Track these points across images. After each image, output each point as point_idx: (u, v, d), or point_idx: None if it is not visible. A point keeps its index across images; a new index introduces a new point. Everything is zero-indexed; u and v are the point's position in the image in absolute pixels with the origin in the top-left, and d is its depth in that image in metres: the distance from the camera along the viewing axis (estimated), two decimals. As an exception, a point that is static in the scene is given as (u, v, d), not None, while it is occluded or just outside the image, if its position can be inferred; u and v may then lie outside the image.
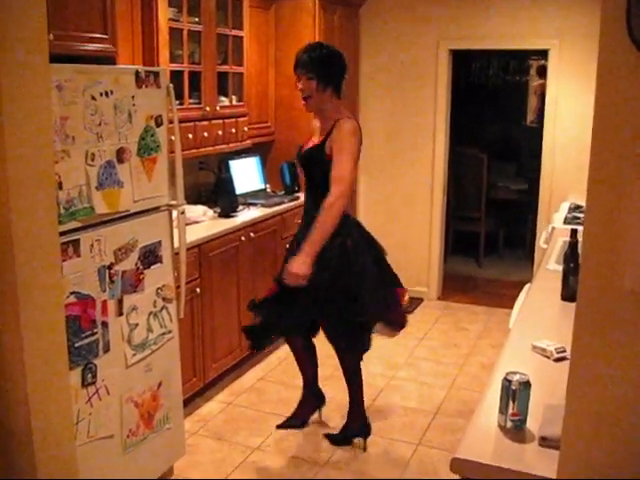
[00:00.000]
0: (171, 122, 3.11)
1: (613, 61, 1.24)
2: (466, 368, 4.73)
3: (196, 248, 3.86)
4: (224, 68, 4.48)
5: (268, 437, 3.77)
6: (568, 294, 2.79)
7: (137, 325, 2.92)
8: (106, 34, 3.24)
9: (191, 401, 4.00)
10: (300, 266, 3.25)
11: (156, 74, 2.97)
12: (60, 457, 2.08)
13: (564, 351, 2.23)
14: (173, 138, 3.14)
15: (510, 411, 1.79)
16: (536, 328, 2.56)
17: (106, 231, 2.72)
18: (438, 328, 5.53)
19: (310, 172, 3.51)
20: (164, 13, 3.77)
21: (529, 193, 6.97)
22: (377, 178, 6.18)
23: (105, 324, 2.74)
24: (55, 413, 2.04)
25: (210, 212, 4.43)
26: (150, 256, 2.99)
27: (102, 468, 2.79)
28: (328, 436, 3.75)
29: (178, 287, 3.23)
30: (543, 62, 7.72)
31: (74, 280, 2.55)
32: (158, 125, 2.98)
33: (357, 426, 3.69)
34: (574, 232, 2.87)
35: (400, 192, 6.16)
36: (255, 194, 5.05)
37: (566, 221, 4.41)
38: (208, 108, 4.26)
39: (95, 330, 2.68)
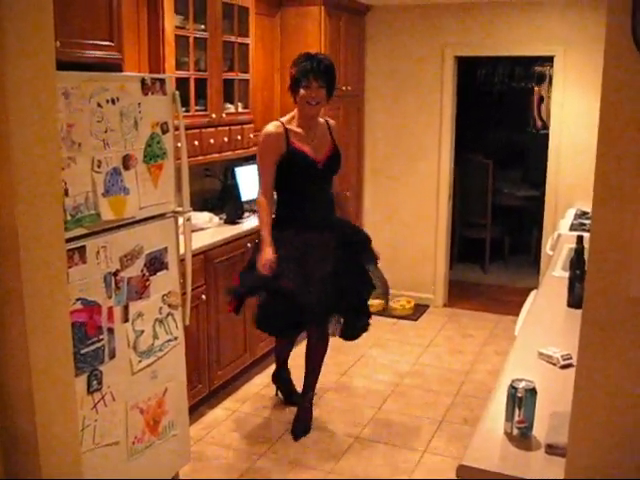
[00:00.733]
0: (177, 129, 3.12)
1: (618, 67, 1.24)
2: (472, 375, 4.72)
3: (202, 255, 3.87)
4: (230, 75, 4.49)
5: (273, 444, 3.76)
6: (574, 301, 2.78)
7: (143, 332, 2.92)
8: (112, 41, 3.26)
9: (197, 408, 4.00)
10: None
11: (162, 81, 2.98)
12: (65, 463, 2.08)
13: (570, 358, 2.23)
14: (179, 145, 3.15)
15: (516, 418, 1.79)
16: (542, 335, 2.56)
17: (112, 238, 2.73)
18: (444, 335, 5.52)
19: (330, 176, 3.78)
20: (170, 20, 3.78)
21: (535, 199, 6.95)
22: (382, 184, 6.18)
23: (111, 330, 2.74)
24: (61, 419, 2.04)
25: (216, 219, 4.43)
26: (156, 263, 2.99)
27: (107, 474, 2.79)
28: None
29: (184, 294, 3.24)
30: (540, 69, 7.75)
31: (80, 287, 2.56)
32: (164, 132, 2.99)
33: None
34: (580, 238, 2.86)
35: (405, 198, 6.15)
36: (261, 201, 5.04)
37: (572, 227, 4.40)
38: (214, 115, 4.27)
39: (101, 337, 2.68)
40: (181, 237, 3.20)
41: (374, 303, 5.94)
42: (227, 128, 4.43)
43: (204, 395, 4.07)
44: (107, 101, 2.65)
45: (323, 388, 4.38)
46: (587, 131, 5.25)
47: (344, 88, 5.37)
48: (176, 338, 3.15)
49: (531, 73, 8.42)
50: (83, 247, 2.57)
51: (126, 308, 2.82)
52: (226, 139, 4.42)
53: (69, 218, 2.48)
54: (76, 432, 2.17)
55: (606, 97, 1.27)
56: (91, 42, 3.14)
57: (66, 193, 2.45)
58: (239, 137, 4.57)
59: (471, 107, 7.68)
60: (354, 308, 3.77)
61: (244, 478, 3.44)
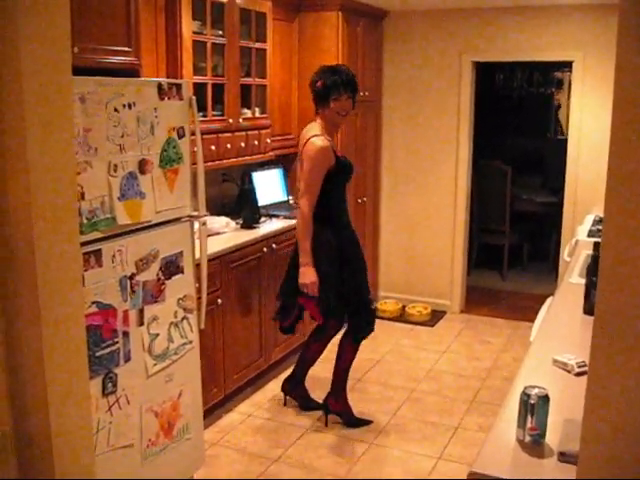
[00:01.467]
0: (193, 134, 3.14)
1: (631, 69, 1.23)
2: (488, 381, 4.69)
3: (218, 259, 3.88)
4: (247, 80, 4.50)
5: (288, 449, 3.76)
6: (590, 308, 2.75)
7: (158, 335, 2.94)
8: (130, 47, 3.28)
9: (212, 412, 4.01)
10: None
11: (178, 86, 3.00)
12: (79, 466, 2.09)
13: (585, 365, 2.20)
14: (195, 150, 3.16)
15: (528, 425, 1.78)
16: (557, 342, 2.54)
17: (128, 241, 2.74)
18: (460, 341, 5.49)
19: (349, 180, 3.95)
20: (188, 26, 3.81)
21: (554, 206, 6.92)
22: (399, 190, 6.17)
23: (126, 334, 2.76)
24: (75, 422, 2.05)
25: (233, 223, 4.45)
26: (171, 267, 3.01)
27: (121, 477, 2.80)
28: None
29: (199, 298, 3.25)
30: (558, 74, 7.71)
31: (95, 290, 2.57)
32: (180, 137, 3.01)
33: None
34: (597, 245, 2.84)
35: (423, 204, 6.14)
36: (278, 206, 5.07)
37: (590, 234, 4.37)
38: (231, 120, 4.29)
39: (116, 340, 2.70)
40: (197, 241, 3.21)
41: (390, 309, 5.95)
42: (244, 133, 4.45)
43: (219, 399, 4.08)
44: (123, 106, 2.67)
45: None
46: (606, 137, 5.17)
47: (362, 94, 5.34)
48: (191, 342, 3.17)
49: (550, 78, 8.39)
50: (99, 251, 2.59)
51: (141, 311, 2.84)
52: (243, 144, 4.43)
53: (85, 222, 2.50)
54: (90, 434, 2.18)
55: (618, 104, 1.26)
56: (109, 48, 3.17)
57: (82, 197, 2.47)
58: (256, 142, 4.59)
59: (489, 113, 7.66)
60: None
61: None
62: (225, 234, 4.28)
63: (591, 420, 1.37)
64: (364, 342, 3.98)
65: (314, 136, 3.72)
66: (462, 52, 5.76)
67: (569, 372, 2.24)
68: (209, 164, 3.99)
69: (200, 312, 3.25)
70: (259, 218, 4.57)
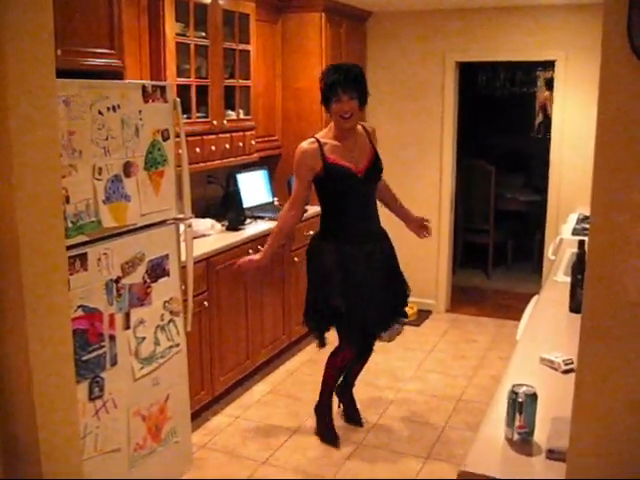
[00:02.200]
0: (178, 136, 3.13)
1: (615, 70, 1.24)
2: (475, 380, 4.71)
3: (204, 261, 3.87)
4: (231, 82, 4.50)
5: (276, 451, 3.76)
6: (576, 306, 2.77)
7: (144, 338, 2.93)
8: (113, 49, 3.27)
9: (199, 414, 3.99)
10: None
11: (163, 88, 2.99)
12: (67, 471, 2.08)
13: (572, 363, 2.22)
14: (180, 152, 3.16)
15: (517, 423, 1.79)
16: (544, 340, 2.55)
17: (113, 245, 2.73)
18: (446, 340, 5.51)
19: (373, 184, 3.69)
20: (171, 28, 3.80)
21: (538, 204, 6.96)
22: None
23: (112, 337, 2.74)
24: (62, 427, 2.04)
25: (218, 225, 4.44)
26: (157, 269, 3.00)
27: (109, 482, 2.79)
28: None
29: (185, 300, 3.24)
30: (551, 74, 7.75)
31: (81, 294, 2.56)
32: (165, 139, 3.00)
33: None
34: (582, 243, 2.86)
35: (407, 204, 6.09)
36: (263, 207, 5.06)
37: (574, 232, 4.40)
38: (215, 122, 4.28)
39: (102, 343, 2.69)
40: (182, 244, 3.20)
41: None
42: (229, 135, 4.44)
43: (207, 402, 4.07)
44: (108, 108, 2.66)
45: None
46: (589, 136, 5.20)
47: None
48: (178, 345, 3.15)
49: (533, 78, 8.44)
50: (84, 254, 2.58)
51: (127, 315, 2.83)
52: (228, 146, 4.43)
53: (70, 225, 2.49)
54: (78, 439, 2.17)
55: (603, 102, 1.27)
56: (92, 50, 3.16)
57: (67, 200, 2.46)
58: (241, 144, 4.58)
59: (473, 113, 7.69)
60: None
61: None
62: (210, 236, 4.27)
63: (579, 417, 1.38)
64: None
65: (308, 139, 3.60)
66: (445, 52, 5.77)
67: (556, 370, 2.25)
68: (194, 166, 3.97)
69: (186, 315, 3.24)
70: (244, 220, 4.56)
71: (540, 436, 1.80)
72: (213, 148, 4.27)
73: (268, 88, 5.12)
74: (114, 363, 2.76)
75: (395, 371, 4.82)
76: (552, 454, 1.71)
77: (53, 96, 1.94)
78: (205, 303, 3.88)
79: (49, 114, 1.91)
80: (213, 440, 3.86)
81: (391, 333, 3.81)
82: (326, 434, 3.85)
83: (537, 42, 5.50)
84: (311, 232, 4.89)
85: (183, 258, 3.21)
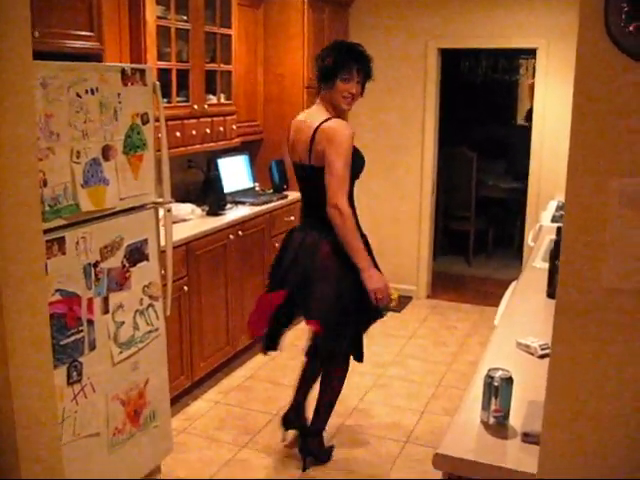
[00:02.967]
0: (158, 120, 3.11)
1: (591, 56, 1.25)
2: (454, 366, 4.74)
3: (184, 246, 3.86)
4: (212, 66, 4.47)
5: (256, 435, 3.77)
6: (553, 291, 2.76)
7: (123, 323, 2.92)
8: (92, 31, 3.24)
9: (179, 399, 4.00)
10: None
11: (142, 72, 2.96)
12: (45, 456, 2.07)
13: (548, 348, 2.22)
14: (160, 136, 3.13)
15: (492, 407, 1.80)
16: (521, 325, 2.57)
17: (92, 229, 2.71)
18: (427, 326, 5.54)
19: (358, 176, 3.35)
20: (152, 11, 3.76)
21: (518, 192, 6.99)
22: (365, 177, 6.14)
23: (91, 322, 2.73)
24: (39, 411, 2.03)
25: (198, 210, 4.42)
26: (136, 254, 2.98)
27: (88, 466, 2.78)
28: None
29: (165, 285, 3.23)
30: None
31: (59, 278, 2.54)
32: (144, 123, 2.97)
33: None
34: (560, 230, 2.87)
35: (389, 191, 6.16)
36: (244, 192, 5.05)
37: (553, 219, 4.43)
38: (196, 106, 4.26)
39: (81, 328, 2.67)
40: (162, 228, 3.19)
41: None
42: (209, 119, 4.42)
43: (187, 386, 4.07)
44: (86, 91, 2.63)
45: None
46: (569, 124, 5.26)
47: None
48: (157, 329, 3.15)
49: (515, 66, 8.45)
50: (62, 238, 2.56)
51: (106, 299, 2.81)
52: (208, 130, 4.41)
53: (47, 209, 2.46)
54: (56, 424, 2.16)
55: (579, 87, 1.28)
56: (71, 32, 3.13)
57: (44, 184, 2.44)
58: (222, 128, 4.56)
59: (455, 100, 7.70)
60: None
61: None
62: (191, 221, 4.25)
63: (553, 401, 1.39)
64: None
65: (328, 120, 3.15)
66: (428, 39, 5.77)
67: (532, 354, 2.27)
68: (174, 150, 3.96)
69: (166, 299, 3.23)
70: (225, 205, 4.55)
71: (516, 420, 1.82)
72: (194, 132, 4.25)
73: (250, 73, 5.09)
74: (93, 348, 2.75)
75: (375, 357, 4.83)
76: (527, 437, 1.72)
77: (30, 78, 1.91)
78: (185, 288, 3.87)
79: (26, 96, 1.89)
80: (193, 425, 3.87)
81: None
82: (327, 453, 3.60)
83: (519, 30, 5.51)
84: (292, 217, 4.91)
85: (163, 243, 3.20)
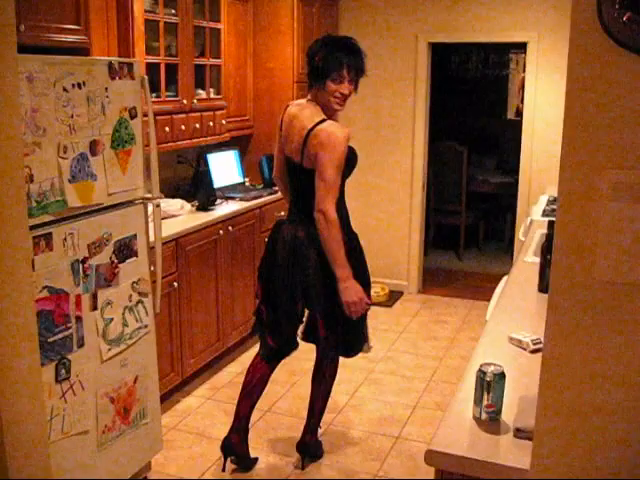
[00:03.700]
0: (146, 115, 3.08)
1: (584, 47, 1.23)
2: (446, 361, 4.74)
3: (173, 242, 3.83)
4: (201, 60, 4.44)
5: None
6: (545, 286, 2.78)
7: (112, 320, 2.89)
8: (79, 25, 3.20)
9: (169, 396, 3.98)
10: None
11: (130, 65, 2.93)
12: (33, 454, 2.05)
13: (540, 342, 2.23)
14: (149, 131, 3.10)
15: (485, 402, 1.79)
16: (513, 320, 2.56)
17: (79, 225, 2.68)
18: (418, 321, 5.53)
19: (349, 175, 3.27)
20: (140, 4, 3.72)
21: (509, 186, 7.00)
22: (356, 173, 6.14)
23: (79, 319, 2.70)
24: (27, 409, 2.01)
25: (188, 206, 4.39)
26: (125, 250, 2.95)
27: (77, 464, 2.75)
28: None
29: (154, 281, 3.20)
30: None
31: (46, 274, 2.51)
32: (132, 117, 2.94)
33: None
34: (551, 224, 2.86)
35: (379, 185, 6.15)
36: (233, 188, 5.03)
37: (544, 213, 4.42)
38: (185, 101, 4.23)
39: (69, 325, 2.64)
40: (151, 224, 3.16)
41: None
42: (199, 114, 4.39)
43: (177, 383, 4.05)
44: (73, 85, 2.59)
45: (297, 374, 4.38)
46: (560, 118, 5.23)
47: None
48: (146, 326, 3.12)
49: (506, 60, 8.45)
50: (49, 234, 2.52)
51: (95, 296, 2.78)
52: (198, 125, 4.38)
53: (34, 205, 2.43)
54: (44, 422, 2.14)
55: (572, 79, 1.26)
56: (57, 26, 3.09)
57: (31, 179, 2.40)
58: (211, 123, 4.53)
59: (445, 94, 7.70)
60: None
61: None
62: (180, 217, 4.22)
63: (546, 396, 1.38)
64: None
65: (322, 122, 3.02)
66: (418, 34, 5.75)
67: (524, 349, 2.26)
68: (163, 146, 3.93)
69: (155, 296, 3.20)
70: (215, 200, 4.52)
71: (508, 415, 1.80)
72: (183, 127, 4.22)
73: (239, 67, 5.06)
74: (81, 345, 2.72)
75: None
76: (520, 433, 1.71)
77: (14, 72, 1.88)
78: (175, 284, 3.85)
79: (10, 90, 1.86)
80: (183, 421, 3.84)
81: None
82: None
83: (509, 24, 5.50)
84: (282, 213, 4.88)
85: (152, 238, 3.17)
